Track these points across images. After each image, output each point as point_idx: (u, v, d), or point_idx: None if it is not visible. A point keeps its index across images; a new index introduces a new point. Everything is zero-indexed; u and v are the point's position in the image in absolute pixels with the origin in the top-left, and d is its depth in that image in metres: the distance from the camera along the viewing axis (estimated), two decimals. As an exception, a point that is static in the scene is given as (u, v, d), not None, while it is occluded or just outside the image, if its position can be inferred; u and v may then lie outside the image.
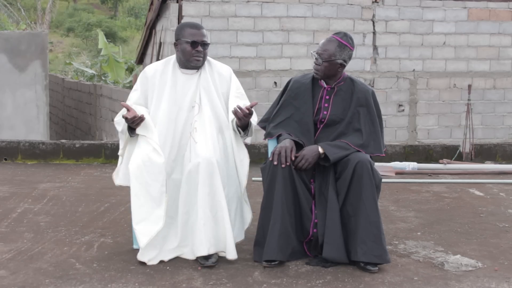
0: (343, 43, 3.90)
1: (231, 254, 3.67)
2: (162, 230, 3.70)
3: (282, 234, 3.67)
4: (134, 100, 3.89)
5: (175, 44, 3.91)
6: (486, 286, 3.43)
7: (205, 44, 3.86)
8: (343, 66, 3.93)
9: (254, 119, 3.89)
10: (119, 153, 3.95)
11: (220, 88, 3.93)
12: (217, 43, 8.45)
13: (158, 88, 3.88)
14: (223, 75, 3.97)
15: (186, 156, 3.77)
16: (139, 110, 3.75)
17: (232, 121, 3.87)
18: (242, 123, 3.78)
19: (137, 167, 3.68)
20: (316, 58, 3.94)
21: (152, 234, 3.64)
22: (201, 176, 3.63)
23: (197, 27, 3.90)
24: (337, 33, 3.98)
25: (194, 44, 3.82)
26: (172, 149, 3.79)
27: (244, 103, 3.88)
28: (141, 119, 3.68)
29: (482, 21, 9.23)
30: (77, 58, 23.66)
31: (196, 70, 3.92)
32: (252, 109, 3.73)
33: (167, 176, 3.70)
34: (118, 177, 3.92)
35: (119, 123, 3.83)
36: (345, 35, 3.95)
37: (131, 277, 3.49)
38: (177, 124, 3.82)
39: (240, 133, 3.88)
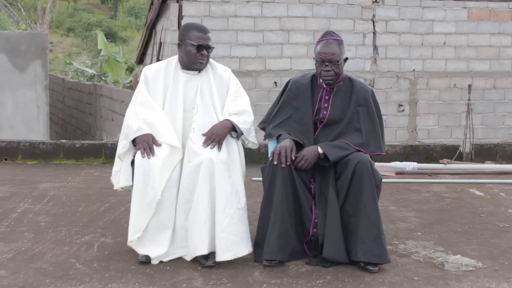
0: (338, 39, 3.94)
1: (219, 256, 3.63)
2: (154, 234, 3.70)
3: (282, 234, 3.67)
4: (142, 99, 3.88)
5: (179, 44, 3.92)
6: (486, 286, 3.44)
7: (209, 48, 3.90)
8: (346, 60, 3.97)
9: (239, 120, 3.88)
10: (118, 155, 3.94)
11: (220, 90, 3.96)
12: (217, 43, 8.43)
13: (160, 88, 3.90)
14: (223, 77, 4.01)
15: (185, 157, 3.77)
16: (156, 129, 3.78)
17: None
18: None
19: (138, 169, 3.68)
20: (327, 65, 3.88)
21: (142, 228, 3.67)
22: (201, 175, 3.63)
23: (203, 30, 3.91)
24: (324, 34, 3.97)
25: (199, 47, 3.85)
26: None
27: (241, 103, 3.95)
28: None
29: (482, 21, 9.22)
30: (77, 58, 23.66)
31: (198, 72, 3.95)
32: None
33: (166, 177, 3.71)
34: (120, 180, 3.91)
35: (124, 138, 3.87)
36: (332, 32, 3.99)
37: (131, 277, 3.49)
38: (178, 124, 3.84)
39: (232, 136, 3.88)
